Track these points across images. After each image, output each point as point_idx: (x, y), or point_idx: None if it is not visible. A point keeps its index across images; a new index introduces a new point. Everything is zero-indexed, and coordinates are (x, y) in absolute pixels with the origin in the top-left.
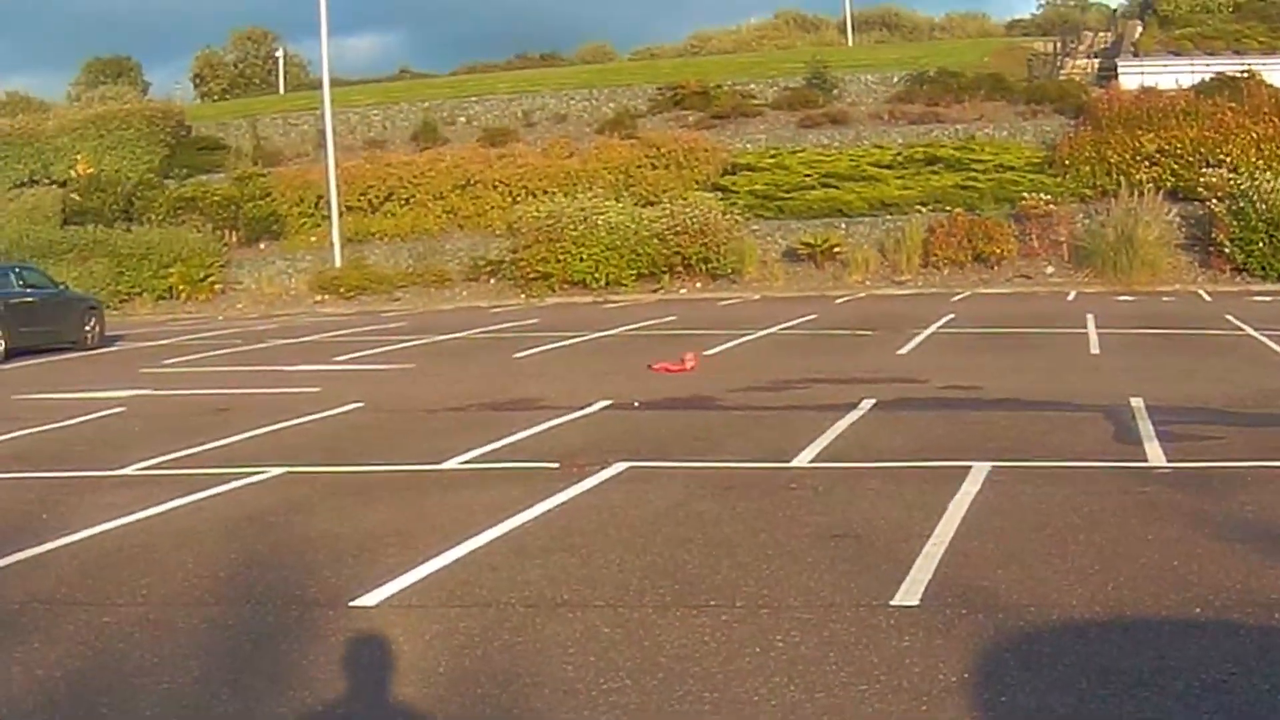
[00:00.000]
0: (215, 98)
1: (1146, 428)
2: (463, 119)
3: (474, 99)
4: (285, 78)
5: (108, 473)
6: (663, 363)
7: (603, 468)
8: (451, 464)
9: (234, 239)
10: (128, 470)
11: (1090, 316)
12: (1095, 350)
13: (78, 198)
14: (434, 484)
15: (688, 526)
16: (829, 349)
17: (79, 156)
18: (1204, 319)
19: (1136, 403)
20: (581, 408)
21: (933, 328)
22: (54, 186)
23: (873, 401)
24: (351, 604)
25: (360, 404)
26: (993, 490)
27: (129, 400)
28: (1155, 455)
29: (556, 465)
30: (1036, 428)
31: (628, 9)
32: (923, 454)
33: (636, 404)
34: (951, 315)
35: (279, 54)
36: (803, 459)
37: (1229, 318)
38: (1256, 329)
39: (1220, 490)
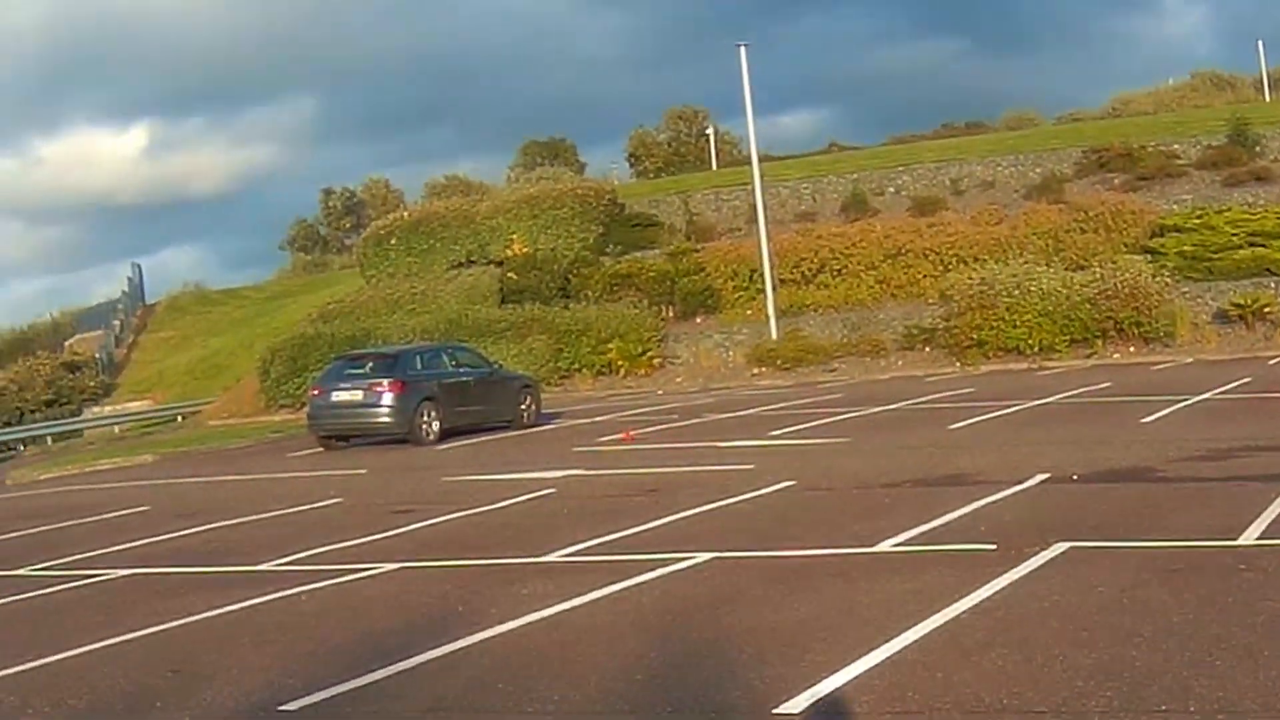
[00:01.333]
0: (650, 176)
1: None
2: (891, 189)
3: (901, 169)
4: (717, 154)
5: (531, 560)
6: None
7: (1042, 549)
8: (884, 546)
9: (670, 313)
10: (552, 557)
11: None
12: None
13: (514, 276)
14: (865, 569)
15: (1133, 616)
16: (1267, 414)
17: (514, 236)
18: None
19: None
20: (1018, 482)
21: None
22: (490, 266)
23: None
24: (775, 711)
25: (793, 481)
26: None
27: (560, 481)
28: None
29: (993, 547)
30: None
31: (1050, 76)
32: None
33: (1075, 477)
34: None
35: (709, 132)
36: (1249, 535)
37: None
38: None
39: None
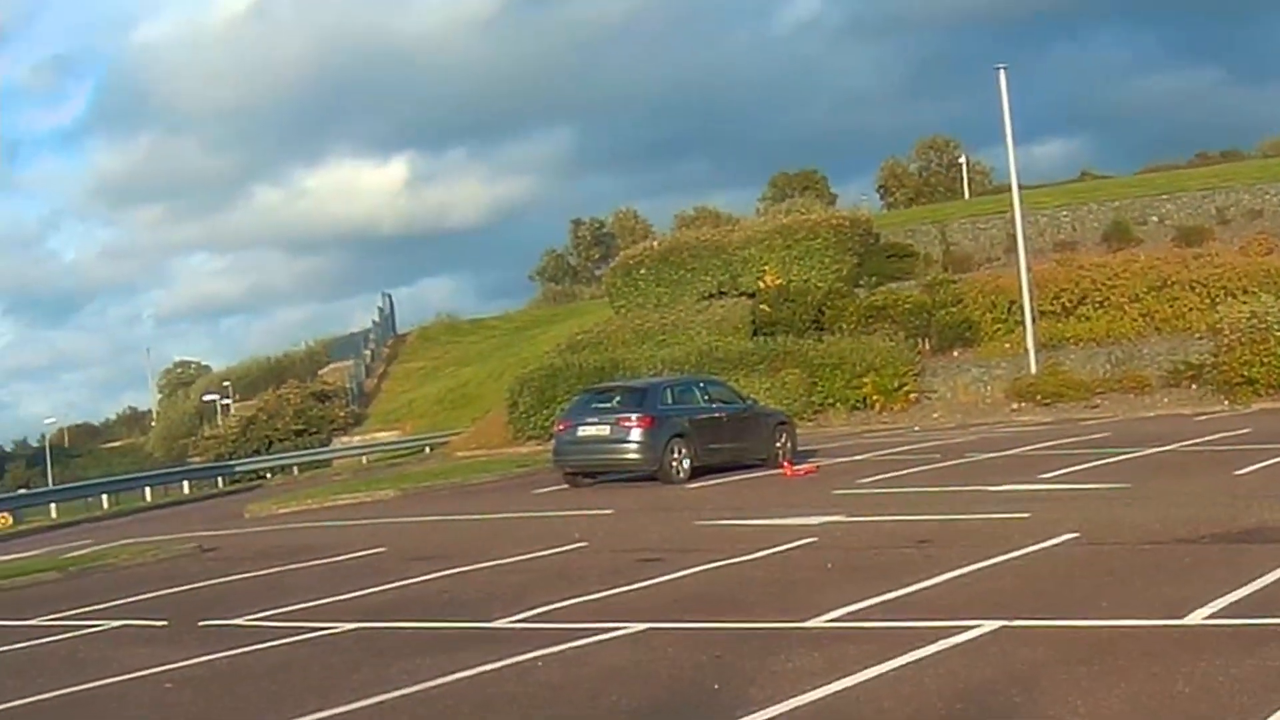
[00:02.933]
0: (900, 206)
1: None
2: (1154, 218)
3: (1164, 197)
4: (969, 184)
5: (794, 624)
6: None
7: None
8: (1195, 618)
9: (926, 347)
10: (817, 621)
11: None
12: None
13: (767, 308)
14: (1178, 646)
15: None
16: None
17: (766, 267)
18: None
19: None
20: None
21: None
22: (742, 298)
23: None
24: None
25: (1075, 534)
26: None
27: (820, 529)
28: None
29: None
30: None
31: None
32: None
33: None
34: None
35: (961, 161)
36: None
37: None
38: None
39: None
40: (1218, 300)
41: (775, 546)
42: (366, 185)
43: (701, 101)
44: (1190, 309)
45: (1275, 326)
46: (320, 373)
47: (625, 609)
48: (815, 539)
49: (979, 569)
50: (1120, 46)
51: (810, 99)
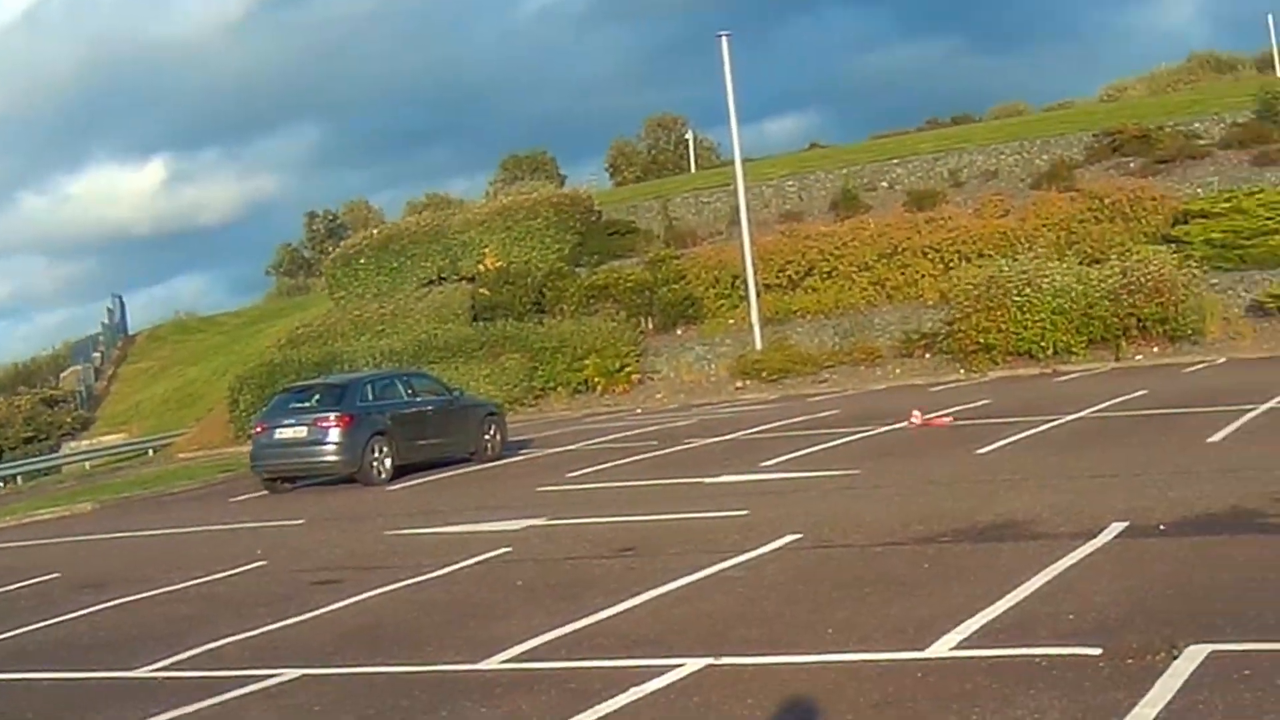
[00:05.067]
0: (631, 185)
1: None
2: (884, 184)
3: (895, 161)
4: (696, 160)
5: (467, 667)
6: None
7: (1170, 657)
8: (941, 648)
9: (649, 326)
10: (493, 662)
11: None
12: None
13: (486, 292)
14: (922, 689)
15: None
16: None
17: (486, 250)
18: None
19: None
20: (1090, 534)
21: None
22: (462, 283)
23: None
24: None
25: (798, 535)
26: None
27: (517, 536)
28: None
29: (1098, 651)
30: None
31: (1040, 72)
32: None
33: (1161, 527)
34: None
35: (689, 137)
36: None
37: None
38: None
39: None
40: (951, 265)
41: (465, 560)
42: (126, 188)
43: (445, 91)
44: (923, 275)
45: (1012, 291)
46: (63, 375)
47: (288, 647)
48: (510, 548)
49: (686, 584)
50: (855, 20)
51: (548, 84)
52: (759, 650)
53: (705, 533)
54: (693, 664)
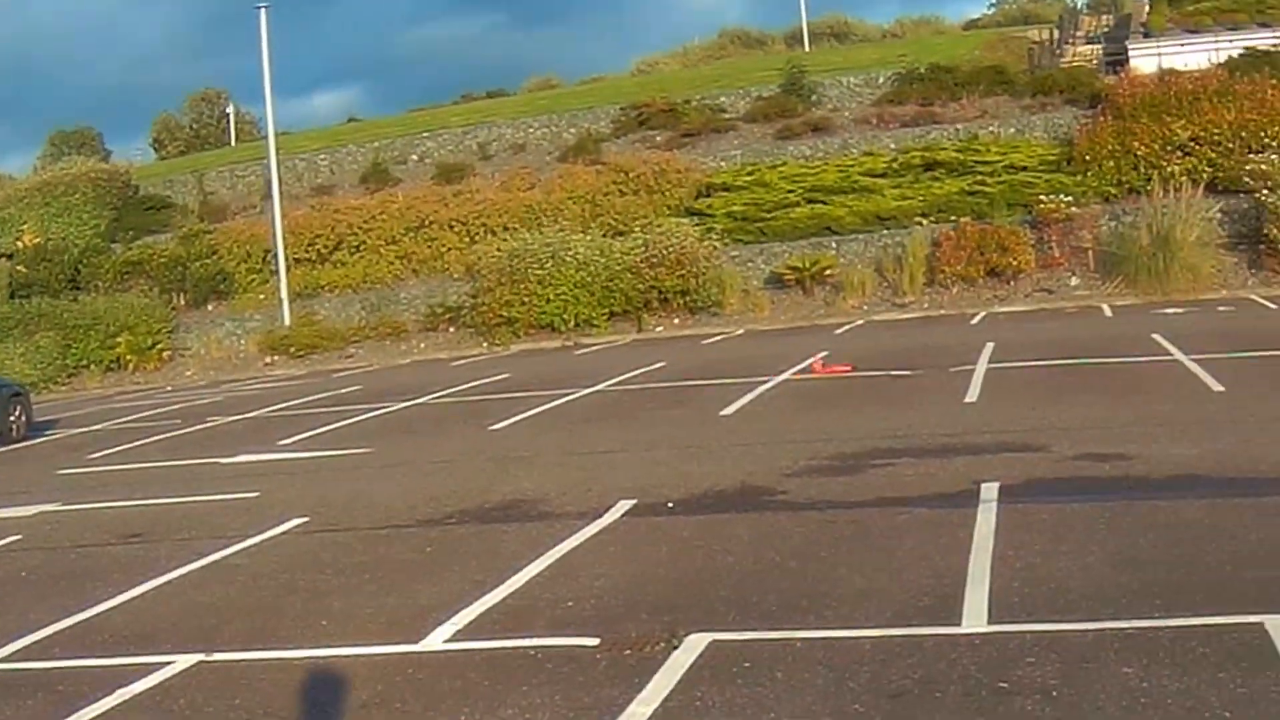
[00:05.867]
0: (174, 159)
1: None
2: (414, 157)
3: (426, 135)
4: (237, 136)
5: None
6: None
7: (670, 647)
8: (435, 641)
9: (182, 301)
10: None
11: (1159, 337)
12: (1214, 385)
13: (24, 269)
14: (413, 689)
15: None
16: (874, 399)
17: (24, 226)
18: None
19: None
20: (597, 513)
21: (982, 363)
22: (1, 260)
23: (996, 487)
24: None
25: (305, 518)
26: None
27: (30, 522)
28: None
29: (595, 642)
30: None
31: (577, 46)
32: (1180, 598)
33: (670, 505)
34: (991, 344)
35: (229, 111)
36: (975, 613)
37: None
38: None
39: None
40: (477, 239)
41: None
42: None
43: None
44: (449, 249)
45: (535, 264)
46: None
47: None
48: (20, 535)
49: (187, 573)
50: None
51: (97, 59)
52: (252, 645)
53: (214, 516)
54: (184, 661)
